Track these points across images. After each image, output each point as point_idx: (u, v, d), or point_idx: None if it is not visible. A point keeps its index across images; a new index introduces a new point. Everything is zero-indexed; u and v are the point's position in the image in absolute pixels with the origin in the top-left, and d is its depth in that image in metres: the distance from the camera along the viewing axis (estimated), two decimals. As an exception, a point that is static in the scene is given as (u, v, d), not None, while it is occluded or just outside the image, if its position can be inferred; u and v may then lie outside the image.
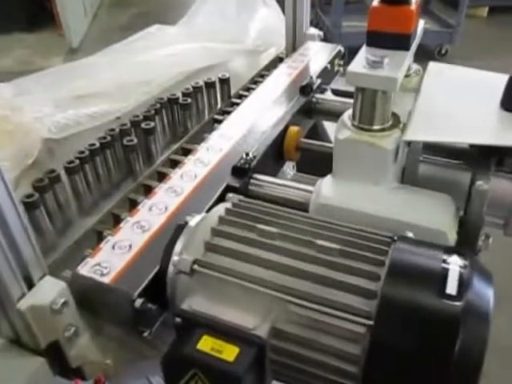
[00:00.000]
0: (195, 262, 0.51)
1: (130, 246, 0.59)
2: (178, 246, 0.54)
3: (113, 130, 0.83)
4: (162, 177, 0.77)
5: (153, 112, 0.89)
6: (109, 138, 0.81)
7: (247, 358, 0.45)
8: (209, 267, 0.51)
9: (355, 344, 0.46)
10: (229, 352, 0.45)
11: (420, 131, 0.65)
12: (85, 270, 0.55)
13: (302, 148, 0.85)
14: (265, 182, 0.73)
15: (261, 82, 1.04)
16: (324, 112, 0.97)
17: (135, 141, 0.81)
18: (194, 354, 0.45)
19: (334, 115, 0.96)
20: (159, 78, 1.02)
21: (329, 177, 0.69)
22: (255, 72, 1.12)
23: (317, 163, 1.06)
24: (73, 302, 0.53)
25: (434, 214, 0.63)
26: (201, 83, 0.98)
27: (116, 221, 0.69)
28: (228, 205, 0.58)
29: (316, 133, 1.13)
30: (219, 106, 1.01)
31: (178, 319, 0.48)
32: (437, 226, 0.62)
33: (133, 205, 0.72)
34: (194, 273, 0.51)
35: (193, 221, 0.57)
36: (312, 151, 0.88)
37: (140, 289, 0.53)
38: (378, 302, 0.46)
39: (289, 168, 1.12)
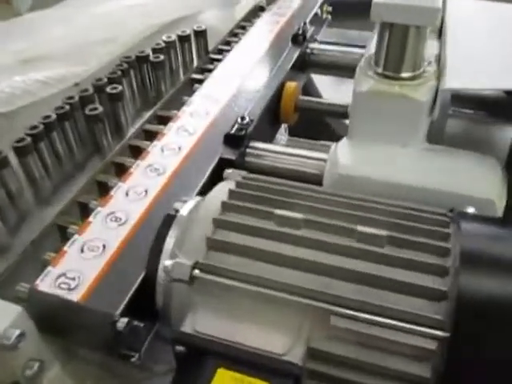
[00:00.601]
0: (195, 266, 0.38)
1: (104, 247, 0.45)
2: (168, 245, 0.41)
3: (71, 97, 0.68)
4: (136, 152, 0.63)
5: (119, 74, 0.73)
6: (67, 108, 0.65)
7: None
8: (215, 272, 0.38)
9: (422, 364, 0.34)
10: None
11: (460, 78, 0.52)
12: (46, 283, 0.42)
13: (300, 108, 0.72)
14: (265, 152, 0.60)
15: (243, 33, 0.89)
16: (321, 64, 0.83)
17: (100, 109, 0.65)
18: None
19: (333, 68, 0.83)
20: (124, 35, 0.85)
21: (345, 140, 0.56)
22: (232, 24, 0.97)
23: (315, 124, 0.93)
24: (33, 330, 0.40)
25: (479, 180, 0.51)
26: (174, 37, 0.82)
27: (83, 212, 0.55)
28: (230, 185, 0.44)
29: (305, 90, 0.99)
30: (196, 63, 0.85)
31: (179, 348, 0.35)
32: (485, 195, 0.50)
33: (103, 190, 0.57)
34: (195, 280, 0.38)
35: (184, 208, 0.44)
36: (312, 111, 0.74)
37: (122, 306, 0.40)
38: (451, 306, 0.34)
39: (279, 133, 0.98)
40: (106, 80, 0.71)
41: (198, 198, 0.46)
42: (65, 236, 0.51)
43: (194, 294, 0.38)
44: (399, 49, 0.50)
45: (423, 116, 0.52)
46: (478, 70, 0.53)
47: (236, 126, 0.58)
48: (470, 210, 0.42)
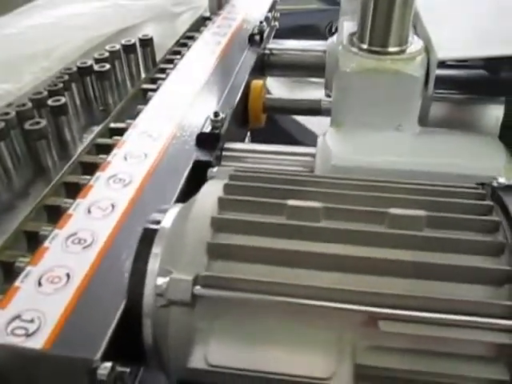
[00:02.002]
0: (197, 280, 0.29)
1: (68, 276, 0.35)
2: (153, 264, 0.32)
3: (7, 113, 0.58)
4: (90, 169, 0.53)
5: (60, 86, 0.64)
6: (2, 125, 0.55)
7: None
8: (222, 286, 0.29)
9: (498, 364, 0.28)
10: None
11: (450, 48, 0.48)
12: None
13: (268, 107, 0.66)
14: (244, 152, 0.52)
15: (191, 43, 0.82)
16: (280, 66, 0.78)
17: (43, 123, 0.56)
18: None
19: (294, 69, 0.78)
20: (60, 49, 0.76)
21: (332, 129, 0.51)
22: (173, 37, 0.90)
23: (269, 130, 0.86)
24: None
25: (484, 159, 0.47)
26: (118, 47, 0.74)
27: (31, 241, 0.45)
28: (221, 182, 0.36)
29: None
30: (143, 74, 0.78)
31: None
32: (491, 173, 0.45)
33: (53, 214, 0.48)
34: (198, 300, 0.29)
35: (167, 217, 0.35)
36: (280, 109, 0.68)
37: (101, 349, 0.30)
38: None
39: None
40: (46, 93, 0.62)
41: (180, 205, 0.38)
42: (12, 273, 0.41)
43: (198, 318, 0.29)
44: (385, 19, 0.46)
45: (418, 93, 0.47)
46: (464, 39, 0.49)
47: (208, 124, 0.50)
48: (501, 180, 0.37)
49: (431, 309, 0.28)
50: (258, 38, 0.74)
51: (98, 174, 0.46)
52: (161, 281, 0.30)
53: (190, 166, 0.47)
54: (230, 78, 0.64)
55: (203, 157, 0.48)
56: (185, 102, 0.59)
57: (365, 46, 0.47)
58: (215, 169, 0.40)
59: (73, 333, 0.31)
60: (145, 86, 0.72)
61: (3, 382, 0.31)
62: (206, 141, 0.49)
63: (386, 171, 0.46)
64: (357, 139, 0.48)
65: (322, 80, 0.67)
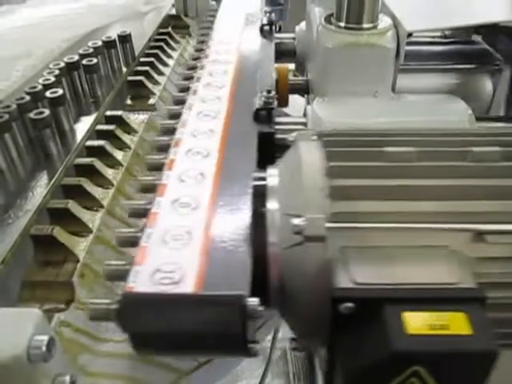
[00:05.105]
0: (328, 217, 0.34)
1: (190, 234, 0.38)
2: (272, 214, 0.37)
3: (8, 106, 0.60)
4: (94, 152, 0.58)
5: (52, 80, 0.67)
6: (6, 117, 0.58)
7: (483, 323, 0.30)
8: (351, 220, 0.34)
9: None
10: (454, 323, 0.29)
11: (415, 21, 0.55)
12: (141, 283, 0.34)
13: (291, 89, 0.69)
14: (290, 125, 0.56)
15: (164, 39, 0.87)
16: (288, 53, 0.81)
17: (47, 112, 0.59)
18: (411, 343, 0.29)
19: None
20: (40, 48, 0.79)
21: (317, 100, 0.57)
22: (143, 36, 0.94)
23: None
24: (56, 337, 0.33)
25: (451, 114, 0.55)
26: (100, 43, 0.78)
27: (53, 217, 0.48)
28: (311, 142, 0.41)
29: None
30: (124, 68, 0.82)
31: (346, 305, 0.31)
32: (459, 125, 0.54)
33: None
34: (332, 234, 0.34)
35: (272, 173, 0.40)
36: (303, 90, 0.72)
37: (247, 286, 0.33)
38: None
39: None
40: (40, 87, 0.65)
41: (279, 165, 0.42)
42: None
43: (332, 250, 0.34)
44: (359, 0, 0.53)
45: (391, 63, 0.55)
46: (425, 13, 0.57)
47: (262, 100, 0.53)
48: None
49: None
50: (268, 28, 0.76)
51: (173, 149, 0.48)
52: (297, 221, 0.34)
53: (256, 138, 0.50)
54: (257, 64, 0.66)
55: (266, 129, 0.51)
56: (226, 84, 0.61)
57: (342, 24, 0.54)
58: (294, 133, 0.45)
59: (216, 277, 0.34)
60: (130, 78, 0.77)
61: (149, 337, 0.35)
62: (262, 116, 0.53)
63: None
64: (341, 106, 0.55)
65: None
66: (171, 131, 0.53)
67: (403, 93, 0.59)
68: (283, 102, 0.67)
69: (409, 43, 0.57)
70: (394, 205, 0.36)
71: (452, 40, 0.65)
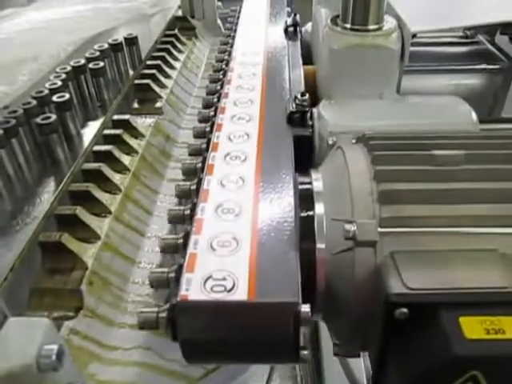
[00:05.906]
0: (381, 221, 0.34)
1: (236, 241, 0.38)
2: (320, 218, 0.37)
3: (15, 111, 0.61)
4: (101, 157, 0.58)
5: (59, 84, 0.68)
6: (13, 122, 0.59)
7: None
8: (401, 224, 0.34)
9: None
10: (510, 327, 0.30)
11: (420, 22, 0.55)
12: (194, 291, 0.33)
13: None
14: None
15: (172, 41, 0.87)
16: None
17: (54, 117, 0.60)
18: (472, 348, 0.29)
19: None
20: (47, 51, 0.79)
21: (324, 102, 0.57)
22: (149, 38, 0.94)
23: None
24: (65, 346, 0.33)
25: (457, 116, 0.54)
26: (106, 46, 0.78)
27: (61, 223, 0.48)
28: (353, 146, 0.41)
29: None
30: (131, 71, 0.82)
31: (401, 311, 0.31)
32: (464, 128, 0.53)
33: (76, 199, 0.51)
34: (382, 238, 0.34)
35: (317, 177, 0.40)
36: None
37: (299, 293, 0.33)
38: None
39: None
40: (47, 91, 0.66)
41: (316, 170, 0.42)
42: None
43: (383, 254, 0.34)
44: (365, 1, 0.52)
45: (396, 64, 0.54)
46: (429, 14, 0.57)
47: (296, 103, 0.53)
48: None
49: None
50: (292, 30, 0.76)
51: (212, 154, 0.48)
52: (348, 226, 0.34)
53: (291, 141, 0.49)
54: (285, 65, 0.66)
55: (302, 132, 0.52)
56: (257, 87, 0.61)
57: (348, 26, 0.54)
58: (333, 137, 0.45)
59: (267, 284, 0.34)
60: (137, 81, 0.77)
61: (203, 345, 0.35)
62: (296, 119, 0.52)
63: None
64: (347, 108, 0.55)
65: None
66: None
67: (407, 94, 0.59)
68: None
69: (412, 44, 0.57)
70: (442, 208, 0.35)
71: (455, 41, 0.64)
